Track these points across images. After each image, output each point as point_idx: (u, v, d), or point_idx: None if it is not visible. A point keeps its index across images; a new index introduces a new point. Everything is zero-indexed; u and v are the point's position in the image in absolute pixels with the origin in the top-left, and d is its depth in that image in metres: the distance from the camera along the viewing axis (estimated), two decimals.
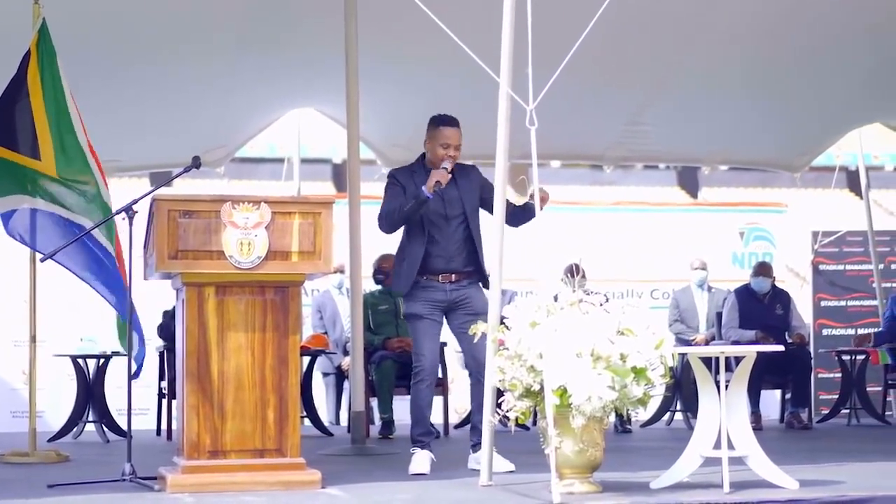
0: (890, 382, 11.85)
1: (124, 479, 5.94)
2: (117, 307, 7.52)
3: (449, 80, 9.52)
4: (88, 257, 7.47)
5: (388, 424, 9.80)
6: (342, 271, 10.85)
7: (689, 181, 34.53)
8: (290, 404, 5.81)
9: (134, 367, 7.16)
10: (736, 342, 10.47)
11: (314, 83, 10.07)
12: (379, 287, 10.34)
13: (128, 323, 6.40)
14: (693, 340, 11.30)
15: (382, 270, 10.26)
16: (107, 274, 7.47)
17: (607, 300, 5.67)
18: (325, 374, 11.78)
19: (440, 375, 10.11)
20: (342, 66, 8.24)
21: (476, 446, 6.66)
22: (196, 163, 6.42)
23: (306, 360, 10.30)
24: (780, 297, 11.17)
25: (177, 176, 6.75)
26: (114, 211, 7.06)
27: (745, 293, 11.14)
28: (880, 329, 11.91)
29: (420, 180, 6.78)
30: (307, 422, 10.05)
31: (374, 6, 8.30)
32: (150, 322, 10.60)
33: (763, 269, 11.22)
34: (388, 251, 10.59)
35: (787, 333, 10.96)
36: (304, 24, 9.05)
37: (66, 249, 7.02)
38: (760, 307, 11.01)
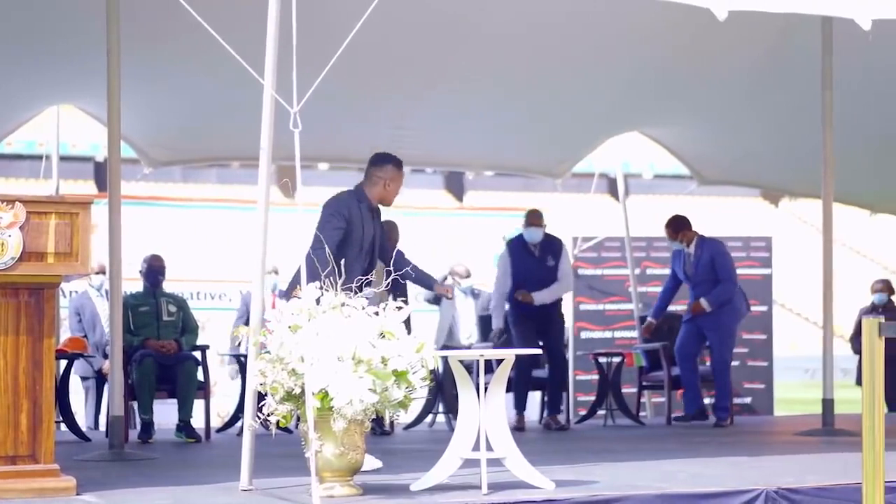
0: (644, 384, 12.21)
1: None
2: None
3: (214, 81, 9.42)
4: None
5: (147, 427, 9.62)
6: (104, 272, 10.59)
7: (456, 186, 35.02)
8: (45, 409, 5.65)
9: None
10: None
11: (75, 79, 9.78)
12: (140, 289, 10.15)
13: None
14: None
15: (154, 269, 10.10)
16: None
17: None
18: (84, 378, 11.50)
19: (201, 379, 10.00)
20: (104, 63, 8.03)
21: None
22: None
23: (64, 363, 10.04)
24: (552, 247, 10.71)
25: None
26: None
27: (518, 246, 10.72)
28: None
29: (363, 213, 7.14)
30: (64, 427, 9.79)
31: (138, 2, 8.13)
32: None
33: (534, 219, 10.66)
34: (156, 251, 10.46)
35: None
36: (63, 16, 8.76)
37: None
38: (532, 261, 10.58)
